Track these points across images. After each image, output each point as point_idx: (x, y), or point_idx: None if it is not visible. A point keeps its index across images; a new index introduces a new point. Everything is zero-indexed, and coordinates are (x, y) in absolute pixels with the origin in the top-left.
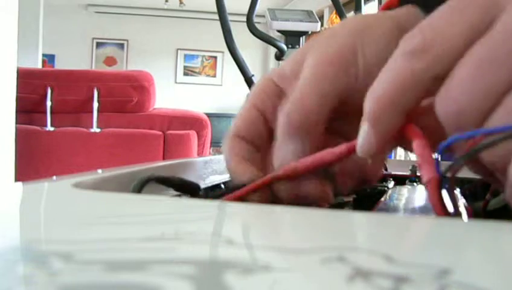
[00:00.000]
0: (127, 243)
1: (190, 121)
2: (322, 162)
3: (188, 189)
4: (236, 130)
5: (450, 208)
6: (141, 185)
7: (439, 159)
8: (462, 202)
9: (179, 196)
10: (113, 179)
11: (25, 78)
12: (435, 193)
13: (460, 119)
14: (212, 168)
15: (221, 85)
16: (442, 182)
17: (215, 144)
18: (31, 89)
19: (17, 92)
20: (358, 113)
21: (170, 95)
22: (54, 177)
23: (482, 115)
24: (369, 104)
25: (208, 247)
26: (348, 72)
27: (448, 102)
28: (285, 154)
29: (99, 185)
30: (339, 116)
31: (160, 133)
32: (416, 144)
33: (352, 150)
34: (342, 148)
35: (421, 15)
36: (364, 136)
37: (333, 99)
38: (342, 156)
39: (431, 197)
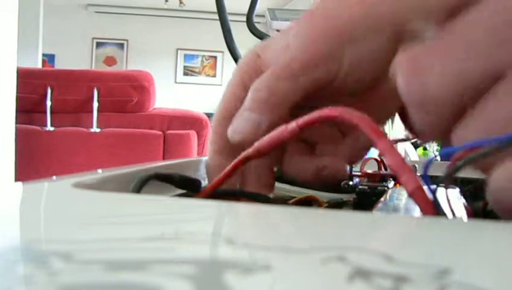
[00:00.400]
0: (127, 243)
1: (190, 121)
2: (280, 141)
3: (190, 186)
4: (224, 113)
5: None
6: (141, 184)
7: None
8: (462, 201)
9: (180, 195)
10: (113, 179)
11: (25, 78)
12: (425, 204)
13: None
14: None
15: (221, 85)
16: (428, 190)
17: None
18: (31, 88)
19: (17, 91)
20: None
21: (170, 95)
22: (54, 177)
23: (455, 106)
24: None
25: (208, 247)
26: (330, 64)
27: (414, 80)
28: (242, 124)
29: (99, 185)
30: (309, 106)
31: (160, 133)
32: (382, 145)
33: (302, 127)
34: (293, 125)
35: None
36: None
37: (307, 86)
38: (294, 134)
39: (423, 208)
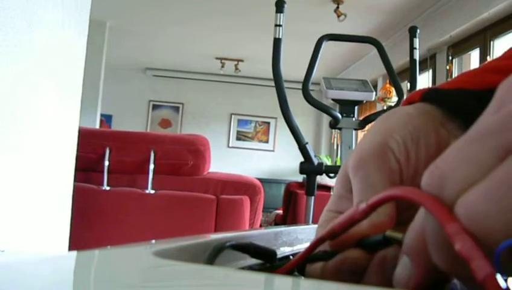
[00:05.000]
0: None
1: (243, 186)
2: (352, 222)
3: (265, 256)
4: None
5: None
6: (216, 254)
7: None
8: None
9: (257, 266)
10: (189, 248)
11: (85, 137)
12: None
13: (441, 183)
14: (282, 239)
15: (273, 151)
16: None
17: (266, 209)
18: (91, 148)
19: (78, 150)
20: None
21: (222, 158)
22: (130, 245)
23: (464, 182)
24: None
25: None
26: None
27: (432, 168)
28: None
29: (177, 254)
30: None
31: (214, 197)
32: (450, 229)
33: (372, 207)
34: (363, 206)
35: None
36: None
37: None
38: (365, 214)
39: None
